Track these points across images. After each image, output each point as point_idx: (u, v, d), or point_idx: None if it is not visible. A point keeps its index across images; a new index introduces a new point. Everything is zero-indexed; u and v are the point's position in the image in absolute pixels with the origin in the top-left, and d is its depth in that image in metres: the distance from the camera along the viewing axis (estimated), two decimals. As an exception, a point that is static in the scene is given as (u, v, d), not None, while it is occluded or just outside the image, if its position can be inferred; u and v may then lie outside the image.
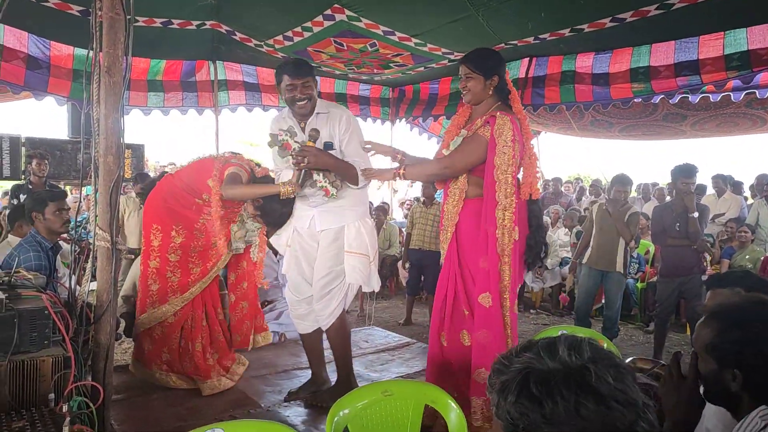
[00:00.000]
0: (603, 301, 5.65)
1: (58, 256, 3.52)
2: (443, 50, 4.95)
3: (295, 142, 2.86)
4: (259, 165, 3.46)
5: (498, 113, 2.59)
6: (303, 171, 2.83)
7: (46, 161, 5.72)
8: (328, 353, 3.28)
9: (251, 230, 3.47)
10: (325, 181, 2.91)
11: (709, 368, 1.39)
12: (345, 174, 2.92)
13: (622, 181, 5.20)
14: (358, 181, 2.95)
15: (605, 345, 2.40)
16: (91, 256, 2.13)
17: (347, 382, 3.12)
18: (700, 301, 4.87)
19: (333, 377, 3.22)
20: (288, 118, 3.04)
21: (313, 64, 4.11)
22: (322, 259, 3.06)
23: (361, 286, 3.15)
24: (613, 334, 5.17)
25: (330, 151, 2.92)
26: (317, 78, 3.02)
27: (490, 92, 2.66)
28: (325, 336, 3.20)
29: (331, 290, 3.06)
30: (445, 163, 2.68)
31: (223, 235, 3.29)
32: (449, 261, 2.73)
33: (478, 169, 2.62)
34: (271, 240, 3.33)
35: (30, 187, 5.68)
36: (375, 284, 3.10)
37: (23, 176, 6.60)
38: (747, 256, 5.82)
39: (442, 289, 2.75)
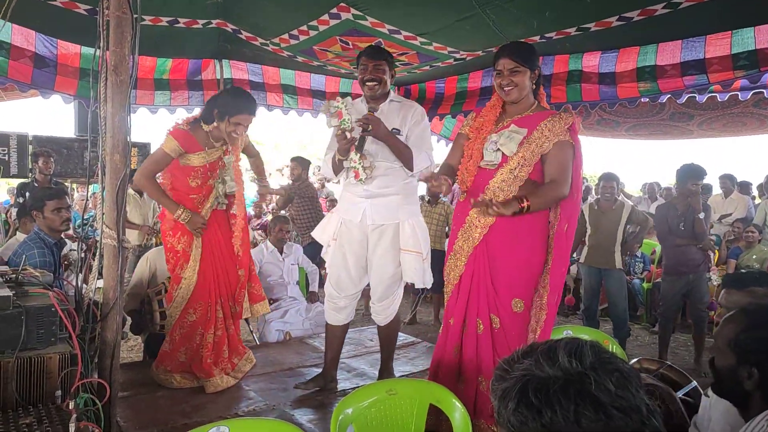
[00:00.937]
0: (607, 300, 5.65)
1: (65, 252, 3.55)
2: (449, 49, 4.93)
3: (348, 112, 2.84)
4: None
5: (573, 118, 2.52)
6: (353, 140, 2.82)
7: (52, 159, 5.76)
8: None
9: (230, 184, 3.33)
10: (360, 163, 2.86)
11: (726, 363, 1.39)
12: (401, 153, 2.90)
13: (608, 177, 5.34)
14: (412, 166, 2.93)
15: (612, 347, 2.40)
16: (97, 253, 2.14)
17: (387, 370, 3.34)
18: (704, 300, 4.89)
19: (340, 377, 3.27)
20: (361, 103, 3.09)
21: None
22: (382, 261, 3.04)
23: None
24: (624, 334, 5.17)
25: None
26: (392, 68, 3.08)
27: (532, 87, 2.58)
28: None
29: (394, 292, 3.11)
30: (565, 183, 2.46)
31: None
32: (477, 265, 2.60)
33: (536, 171, 2.52)
34: (314, 233, 3.31)
35: (35, 185, 5.72)
36: (428, 280, 3.09)
37: (30, 174, 6.63)
38: (754, 256, 5.79)
39: (465, 293, 2.64)
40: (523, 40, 4.59)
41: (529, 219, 2.49)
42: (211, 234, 3.31)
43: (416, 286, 3.11)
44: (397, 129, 2.95)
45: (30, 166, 6.91)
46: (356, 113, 2.92)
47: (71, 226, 5.19)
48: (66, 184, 6.37)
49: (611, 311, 5.33)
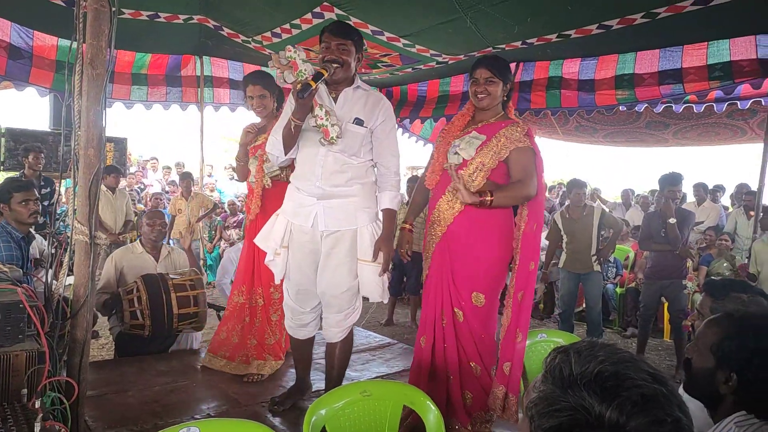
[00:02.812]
0: (584, 303, 5.75)
1: (34, 243, 3.47)
2: (431, 52, 4.96)
3: (304, 61, 2.39)
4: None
5: (528, 126, 2.67)
6: (310, 86, 2.33)
7: (42, 155, 5.67)
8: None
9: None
10: (327, 120, 2.44)
11: (704, 365, 1.41)
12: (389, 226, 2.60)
13: (578, 184, 5.50)
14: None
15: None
16: (68, 249, 2.10)
17: None
18: (681, 305, 5.01)
19: (315, 377, 3.21)
20: (324, 88, 2.61)
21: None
22: (337, 272, 2.62)
23: None
24: (597, 336, 5.34)
25: (359, 130, 2.55)
26: (360, 50, 2.61)
27: (503, 99, 2.73)
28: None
29: (353, 304, 2.73)
30: (533, 185, 2.58)
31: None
32: (441, 261, 2.70)
33: (496, 174, 2.62)
34: (257, 240, 2.83)
35: (23, 179, 5.62)
36: (385, 295, 2.70)
37: (8, 168, 6.55)
38: (725, 264, 5.91)
39: (430, 290, 2.74)
40: (504, 46, 4.64)
41: (488, 216, 2.60)
42: (260, 218, 3.26)
43: (371, 300, 2.69)
44: (360, 119, 2.54)
45: (2, 159, 6.79)
46: (319, 99, 2.52)
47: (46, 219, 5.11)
48: (54, 179, 6.22)
49: (587, 313, 5.45)
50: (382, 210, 2.64)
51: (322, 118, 2.43)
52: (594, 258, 5.26)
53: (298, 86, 2.35)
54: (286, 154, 2.60)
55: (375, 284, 2.62)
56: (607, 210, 5.54)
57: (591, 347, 0.84)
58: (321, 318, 2.88)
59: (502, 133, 2.59)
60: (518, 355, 2.58)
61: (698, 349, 1.45)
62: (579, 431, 0.76)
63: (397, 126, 7.81)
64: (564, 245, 5.39)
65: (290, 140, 2.56)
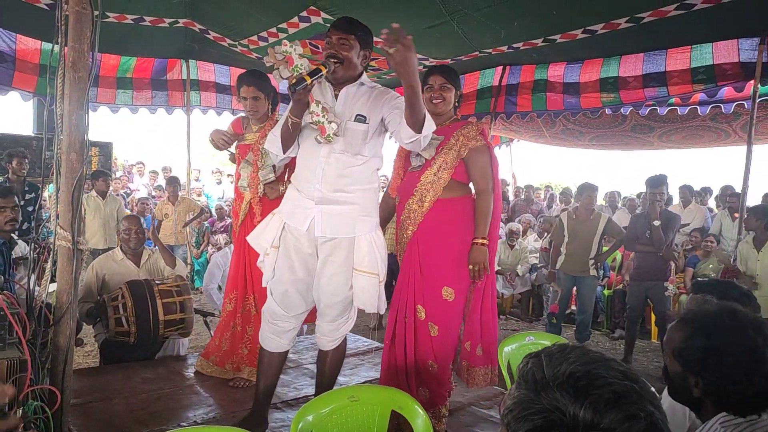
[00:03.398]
0: (575, 305, 5.79)
1: (16, 248, 3.43)
2: (418, 56, 4.95)
3: (301, 56, 2.29)
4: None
5: (482, 125, 2.85)
6: (304, 81, 2.22)
7: (26, 160, 5.60)
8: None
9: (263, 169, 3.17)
10: (324, 116, 2.33)
11: (675, 371, 1.41)
12: (416, 106, 2.21)
13: (590, 188, 5.48)
14: (422, 128, 2.28)
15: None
16: (51, 256, 2.07)
17: None
18: (663, 306, 5.05)
19: (303, 383, 3.19)
20: (326, 84, 2.51)
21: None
22: (332, 281, 2.51)
23: None
24: (585, 337, 5.43)
25: (360, 127, 2.40)
26: (365, 47, 2.46)
27: (455, 103, 2.87)
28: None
29: (348, 313, 2.62)
30: (488, 188, 2.71)
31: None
32: (409, 260, 2.77)
33: (458, 172, 2.72)
34: (250, 238, 2.72)
35: (6, 185, 5.54)
36: (382, 306, 2.56)
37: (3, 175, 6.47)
38: (711, 266, 5.97)
39: (398, 290, 2.81)
40: (490, 50, 4.67)
41: (455, 210, 2.71)
42: (248, 224, 3.27)
43: (367, 311, 2.58)
44: (362, 116, 2.41)
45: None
46: (320, 97, 2.44)
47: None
48: (38, 184, 6.15)
49: (578, 315, 5.49)
50: None
51: (318, 115, 2.34)
52: (591, 262, 5.30)
53: (293, 81, 2.25)
54: (284, 153, 2.53)
55: (370, 295, 2.49)
56: (611, 218, 5.57)
57: (562, 350, 0.85)
58: (296, 333, 2.76)
59: (459, 132, 2.72)
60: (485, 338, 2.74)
61: (667, 355, 1.46)
62: None
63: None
64: (564, 246, 5.40)
65: (288, 138, 2.48)
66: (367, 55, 2.50)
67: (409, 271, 2.77)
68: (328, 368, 2.71)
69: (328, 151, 2.40)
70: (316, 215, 2.43)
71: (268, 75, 3.07)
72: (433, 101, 2.78)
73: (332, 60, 2.35)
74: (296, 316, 2.63)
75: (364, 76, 2.53)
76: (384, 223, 2.97)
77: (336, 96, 2.47)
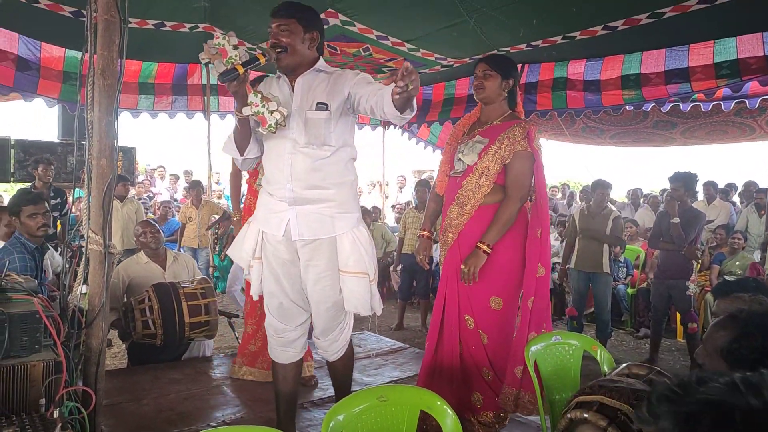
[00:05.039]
0: (593, 304, 5.73)
1: (47, 257, 3.50)
2: (436, 56, 4.96)
3: (235, 47, 2.13)
4: None
5: (530, 125, 2.66)
6: (235, 71, 2.07)
7: (52, 167, 5.72)
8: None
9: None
10: (264, 106, 2.15)
11: (717, 369, 1.39)
12: (409, 101, 1.97)
13: (602, 185, 5.46)
14: (404, 109, 2.01)
15: (599, 351, 2.43)
16: (83, 259, 2.11)
17: None
18: (686, 306, 4.98)
19: (326, 383, 3.20)
20: (276, 79, 2.38)
21: None
22: (318, 287, 2.34)
23: None
24: (606, 335, 5.37)
25: (321, 114, 2.24)
26: (311, 28, 2.28)
27: (504, 94, 2.70)
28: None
29: (341, 321, 2.44)
30: (518, 197, 2.59)
31: None
32: (451, 267, 2.70)
33: (502, 177, 2.64)
34: (230, 252, 2.55)
35: (33, 191, 5.66)
36: (377, 306, 2.40)
37: (18, 179, 6.63)
38: (737, 263, 5.88)
39: (441, 296, 2.75)
40: (509, 49, 4.64)
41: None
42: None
43: (361, 315, 2.41)
44: (323, 104, 2.22)
45: (12, 171, 6.83)
46: (278, 92, 2.29)
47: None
48: (65, 190, 6.26)
49: (596, 315, 5.43)
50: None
51: (257, 105, 2.16)
52: (604, 258, 5.24)
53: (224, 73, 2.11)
54: (242, 154, 2.35)
55: (361, 296, 2.31)
56: (620, 216, 5.52)
57: None
58: (307, 338, 2.60)
59: (505, 135, 2.60)
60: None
61: (708, 354, 1.43)
62: None
63: (402, 131, 7.78)
64: (576, 242, 5.36)
65: (240, 138, 2.32)
66: (315, 37, 2.29)
67: (451, 279, 2.69)
68: (341, 375, 2.60)
69: (292, 146, 2.24)
70: (291, 218, 2.26)
71: None
72: (475, 89, 2.70)
73: (276, 49, 2.21)
74: (299, 326, 2.47)
75: (321, 61, 2.35)
76: (434, 217, 2.93)
77: (293, 88, 2.30)
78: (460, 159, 2.69)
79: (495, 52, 4.65)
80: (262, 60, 2.14)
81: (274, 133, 2.20)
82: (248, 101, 2.18)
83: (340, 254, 2.30)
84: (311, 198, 2.25)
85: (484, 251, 2.56)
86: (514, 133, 2.60)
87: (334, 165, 2.27)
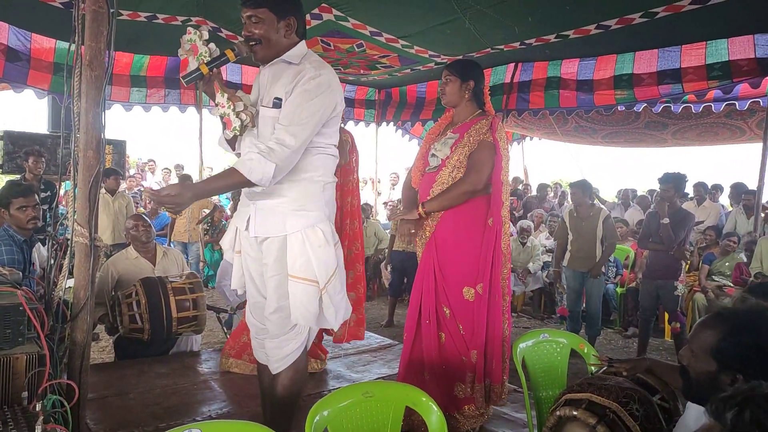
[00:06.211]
0: (585, 303, 5.77)
1: (34, 251, 3.47)
2: (430, 53, 4.96)
3: (206, 43, 2.07)
4: None
5: (494, 117, 2.75)
6: (199, 71, 2.04)
7: (43, 159, 5.66)
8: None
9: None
10: (230, 107, 2.05)
11: (705, 369, 1.39)
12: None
13: (578, 185, 5.49)
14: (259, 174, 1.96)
15: (586, 349, 2.44)
16: (68, 252, 2.09)
17: None
18: (673, 306, 5.01)
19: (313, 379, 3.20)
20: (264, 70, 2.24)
21: None
22: (266, 286, 2.20)
23: None
24: (595, 332, 5.43)
25: (270, 112, 2.11)
26: (284, 15, 2.09)
27: (466, 96, 2.78)
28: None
29: (288, 331, 2.20)
30: (470, 181, 2.64)
31: None
32: (428, 260, 2.76)
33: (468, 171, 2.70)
34: (222, 242, 2.49)
35: (24, 183, 5.60)
36: (332, 320, 2.16)
37: (7, 171, 6.57)
38: (727, 263, 5.92)
39: (418, 290, 2.80)
40: (502, 47, 4.65)
41: (472, 213, 2.69)
42: None
43: (306, 326, 2.22)
44: (279, 99, 2.07)
45: (0, 162, 6.77)
46: (266, 85, 2.18)
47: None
48: (55, 183, 6.21)
49: (587, 312, 5.48)
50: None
51: (223, 106, 2.06)
52: (597, 258, 5.27)
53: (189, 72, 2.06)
54: (234, 150, 2.28)
55: (304, 307, 2.10)
56: (610, 215, 5.54)
57: None
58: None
59: (473, 129, 2.70)
60: (490, 344, 2.67)
61: (694, 353, 1.43)
62: None
63: (396, 128, 7.75)
64: (569, 243, 5.40)
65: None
66: (291, 23, 2.11)
67: (428, 272, 2.75)
68: (277, 398, 2.26)
69: (249, 141, 2.14)
70: (252, 213, 2.17)
71: None
72: (441, 95, 2.83)
73: (249, 43, 2.08)
74: None
75: (296, 48, 2.13)
76: (412, 205, 2.89)
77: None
78: (434, 155, 2.78)
79: (489, 50, 4.66)
80: (231, 57, 2.06)
81: (240, 135, 2.11)
82: (215, 101, 2.09)
83: (288, 256, 2.11)
84: (267, 193, 2.12)
85: (419, 213, 2.70)
86: (480, 126, 2.71)
87: None
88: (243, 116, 2.05)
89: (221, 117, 2.10)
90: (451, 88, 2.76)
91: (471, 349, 2.68)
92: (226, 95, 2.07)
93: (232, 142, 2.28)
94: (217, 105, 2.10)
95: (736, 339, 1.35)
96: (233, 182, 2.05)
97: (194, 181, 7.51)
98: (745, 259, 5.73)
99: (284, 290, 2.13)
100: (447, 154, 2.72)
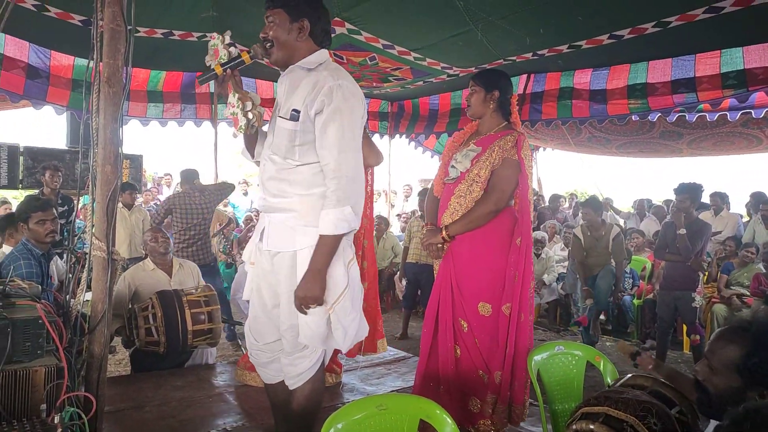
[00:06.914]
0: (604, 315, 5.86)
1: (52, 264, 3.51)
2: (442, 65, 4.98)
3: (227, 46, 2.08)
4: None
5: (520, 134, 2.69)
6: (212, 71, 2.06)
7: (60, 173, 5.75)
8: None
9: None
10: (239, 107, 2.04)
11: (728, 384, 1.35)
12: (324, 258, 1.98)
13: (588, 204, 5.72)
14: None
15: (602, 362, 2.41)
16: (86, 266, 2.12)
17: None
18: (691, 318, 4.95)
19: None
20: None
21: None
22: (282, 301, 2.13)
23: None
24: (600, 308, 5.72)
25: (287, 125, 2.02)
26: (298, 16, 2.04)
27: (491, 106, 2.74)
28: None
29: (299, 349, 2.15)
30: (493, 199, 2.61)
31: None
32: (445, 274, 2.74)
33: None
34: (243, 255, 2.51)
35: (42, 197, 5.69)
36: (340, 340, 2.08)
37: (26, 186, 6.67)
38: (745, 274, 5.84)
39: (434, 302, 2.78)
40: (515, 58, 4.65)
41: (490, 228, 2.65)
42: None
43: (311, 347, 2.16)
44: (296, 111, 1.99)
45: (20, 177, 6.87)
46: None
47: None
48: (72, 197, 6.29)
49: (595, 295, 5.58)
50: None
51: (233, 105, 2.06)
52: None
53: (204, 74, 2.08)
54: (253, 157, 2.28)
55: (310, 329, 2.02)
56: (621, 230, 5.62)
57: None
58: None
59: (497, 144, 2.65)
60: (516, 365, 2.63)
61: (714, 369, 1.39)
62: None
63: (409, 141, 7.77)
64: (583, 259, 5.51)
65: (246, 141, 2.25)
66: (304, 26, 2.03)
67: (445, 285, 2.73)
68: (292, 413, 2.22)
69: (268, 152, 2.12)
70: (266, 226, 2.14)
71: None
72: (466, 107, 2.81)
73: (265, 44, 2.05)
74: (267, 345, 2.25)
75: (313, 56, 2.07)
76: (432, 216, 2.89)
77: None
78: (453, 166, 2.74)
79: (501, 61, 4.66)
80: (246, 58, 2.06)
81: (245, 133, 2.12)
82: (227, 101, 2.10)
83: (298, 273, 2.02)
84: (277, 206, 2.08)
85: (443, 236, 2.67)
86: (505, 142, 2.65)
87: (299, 174, 2.04)
88: (249, 115, 2.05)
89: (232, 116, 2.11)
90: (476, 99, 2.73)
91: (493, 368, 2.64)
92: (237, 95, 2.07)
93: (251, 150, 2.28)
94: (228, 105, 2.11)
95: (764, 355, 1.31)
96: (330, 248, 1.98)
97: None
98: (763, 270, 5.65)
99: (294, 308, 2.05)
100: (467, 167, 2.68)
